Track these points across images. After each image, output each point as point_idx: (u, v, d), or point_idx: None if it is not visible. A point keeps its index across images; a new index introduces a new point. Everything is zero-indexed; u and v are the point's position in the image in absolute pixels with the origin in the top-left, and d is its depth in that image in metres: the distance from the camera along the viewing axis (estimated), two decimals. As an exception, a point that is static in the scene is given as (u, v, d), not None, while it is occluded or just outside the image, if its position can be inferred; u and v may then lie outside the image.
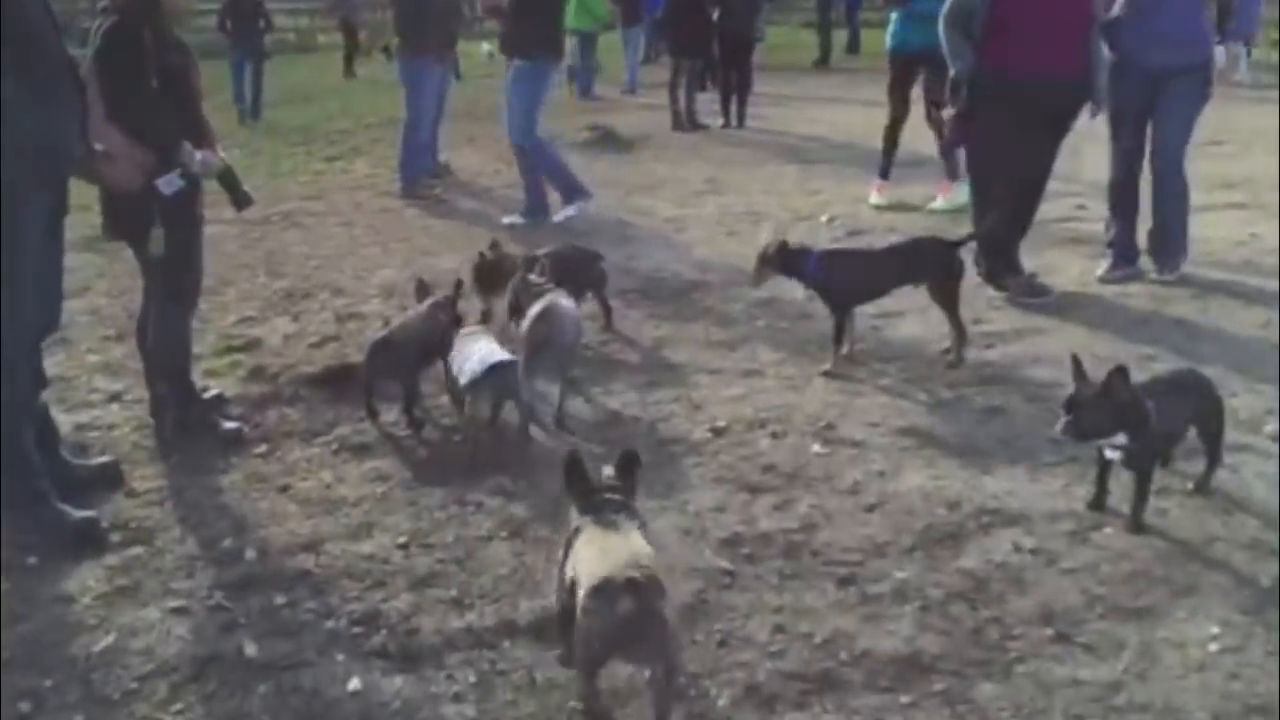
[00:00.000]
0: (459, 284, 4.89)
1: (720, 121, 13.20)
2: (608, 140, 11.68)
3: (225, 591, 3.34)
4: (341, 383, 4.92)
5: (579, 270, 5.55)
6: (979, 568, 3.27)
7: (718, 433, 4.29)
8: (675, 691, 2.59)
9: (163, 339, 4.49)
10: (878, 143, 8.71)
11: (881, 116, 8.73)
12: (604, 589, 2.39)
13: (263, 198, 9.43)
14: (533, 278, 4.98)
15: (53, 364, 5.45)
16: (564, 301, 4.66)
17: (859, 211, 8.28)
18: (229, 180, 4.48)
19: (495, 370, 4.10)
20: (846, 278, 4.88)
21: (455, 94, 10.75)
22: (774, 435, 4.26)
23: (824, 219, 8.02)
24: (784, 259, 4.91)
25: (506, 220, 8.25)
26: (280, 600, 3.27)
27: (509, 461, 4.11)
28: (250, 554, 3.56)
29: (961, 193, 7.62)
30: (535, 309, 4.64)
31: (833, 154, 10.83)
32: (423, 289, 4.90)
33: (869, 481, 3.84)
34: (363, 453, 4.33)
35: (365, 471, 4.15)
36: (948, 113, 5.84)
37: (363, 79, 21.51)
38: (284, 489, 4.05)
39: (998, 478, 3.84)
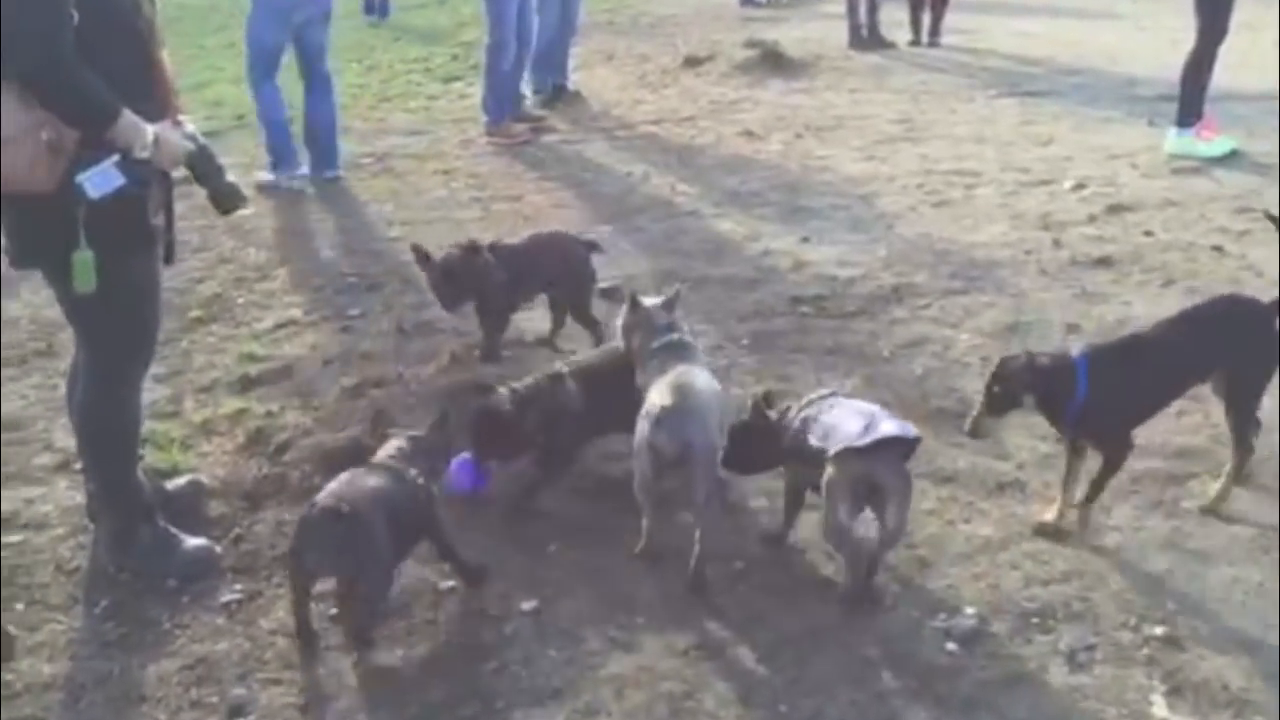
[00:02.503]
0: (444, 415, 2.98)
1: (909, 38, 10.94)
2: (771, 61, 9.61)
3: None
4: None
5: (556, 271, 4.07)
6: None
7: (965, 640, 2.47)
8: None
9: (94, 418, 2.93)
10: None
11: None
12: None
13: (361, 132, 8.00)
14: (649, 303, 3.20)
15: (20, 391, 4.03)
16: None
17: (1115, 172, 6.12)
18: (204, 169, 2.83)
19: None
20: (1132, 398, 2.90)
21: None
22: (1073, 660, 2.41)
23: (1068, 185, 5.92)
24: (1030, 385, 2.86)
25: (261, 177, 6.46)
26: None
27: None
28: None
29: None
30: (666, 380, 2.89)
31: (1062, 84, 8.52)
32: (381, 422, 3.13)
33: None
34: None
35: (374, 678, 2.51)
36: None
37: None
38: (235, 713, 2.43)
39: None
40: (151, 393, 3.97)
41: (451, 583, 2.82)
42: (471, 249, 3.91)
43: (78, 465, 3.39)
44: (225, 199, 2.91)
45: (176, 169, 2.80)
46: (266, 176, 6.47)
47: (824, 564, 2.81)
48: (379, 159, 7.21)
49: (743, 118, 7.85)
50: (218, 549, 3.01)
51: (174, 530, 3.01)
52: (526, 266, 3.99)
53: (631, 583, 2.81)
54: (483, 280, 3.90)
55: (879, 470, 2.51)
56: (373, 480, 2.59)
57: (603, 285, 4.75)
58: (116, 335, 2.84)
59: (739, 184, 6.22)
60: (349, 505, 2.44)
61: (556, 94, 8.33)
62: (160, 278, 2.89)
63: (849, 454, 2.51)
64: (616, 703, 2.37)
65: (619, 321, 3.24)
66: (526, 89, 8.07)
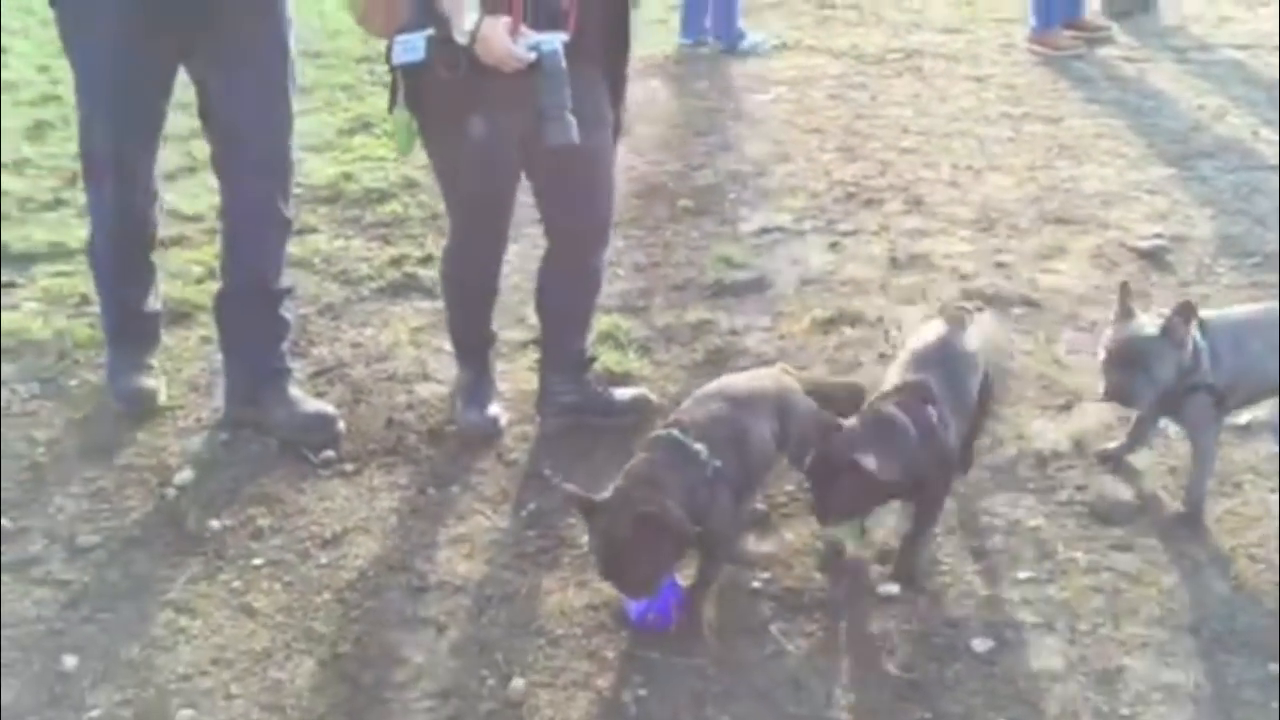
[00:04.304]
0: None
1: None
2: None
3: None
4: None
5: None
6: None
7: None
8: None
9: (446, 271, 3.07)
10: None
11: None
12: None
13: (893, 24, 7.42)
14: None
15: (507, 257, 4.06)
16: None
17: None
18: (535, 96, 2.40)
19: None
20: None
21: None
22: None
23: None
24: None
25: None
26: None
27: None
28: None
29: None
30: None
31: None
32: None
33: None
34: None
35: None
36: None
37: None
38: (624, 683, 2.18)
39: None
40: (627, 281, 3.87)
41: (894, 588, 2.38)
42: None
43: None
44: (545, 131, 2.41)
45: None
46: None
47: None
48: (907, 56, 6.60)
49: (1369, 51, 6.30)
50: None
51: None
52: None
53: (1127, 649, 2.20)
54: None
55: None
56: None
57: (1142, 243, 3.96)
58: (450, 204, 2.86)
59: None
60: None
61: (1130, 2, 7.17)
62: (493, 167, 2.68)
63: None
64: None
65: None
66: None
